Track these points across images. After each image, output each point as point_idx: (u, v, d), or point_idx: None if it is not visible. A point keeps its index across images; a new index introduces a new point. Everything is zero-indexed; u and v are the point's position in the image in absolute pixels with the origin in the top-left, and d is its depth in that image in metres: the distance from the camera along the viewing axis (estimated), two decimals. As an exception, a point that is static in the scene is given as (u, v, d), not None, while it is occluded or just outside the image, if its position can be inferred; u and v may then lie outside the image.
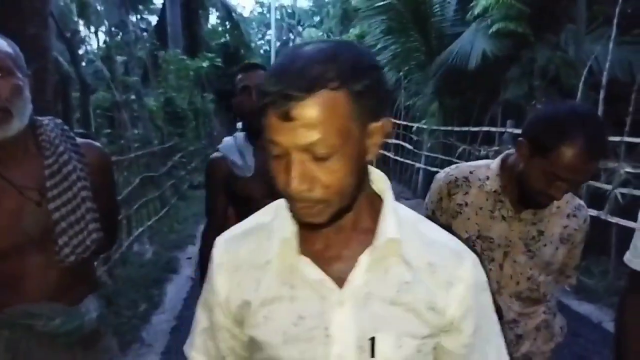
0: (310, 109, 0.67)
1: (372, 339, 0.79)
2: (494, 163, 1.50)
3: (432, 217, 1.61)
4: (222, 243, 0.91)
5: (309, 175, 0.71)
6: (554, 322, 1.57)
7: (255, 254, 0.86)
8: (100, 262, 4.49)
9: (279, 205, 0.88)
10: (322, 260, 0.81)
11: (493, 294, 1.45)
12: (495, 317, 0.91)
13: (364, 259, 0.80)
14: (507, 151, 1.53)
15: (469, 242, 1.49)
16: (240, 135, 2.03)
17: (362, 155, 0.75)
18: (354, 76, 0.70)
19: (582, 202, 1.52)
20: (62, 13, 10.46)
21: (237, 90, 1.95)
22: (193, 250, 6.27)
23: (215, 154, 2.06)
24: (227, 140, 2.07)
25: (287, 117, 0.68)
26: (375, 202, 0.84)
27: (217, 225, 2.05)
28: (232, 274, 0.87)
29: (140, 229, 6.17)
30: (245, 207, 2.05)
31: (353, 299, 0.80)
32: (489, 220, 1.46)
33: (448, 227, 1.54)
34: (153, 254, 5.84)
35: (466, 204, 1.50)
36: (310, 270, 0.81)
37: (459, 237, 0.91)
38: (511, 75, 7.23)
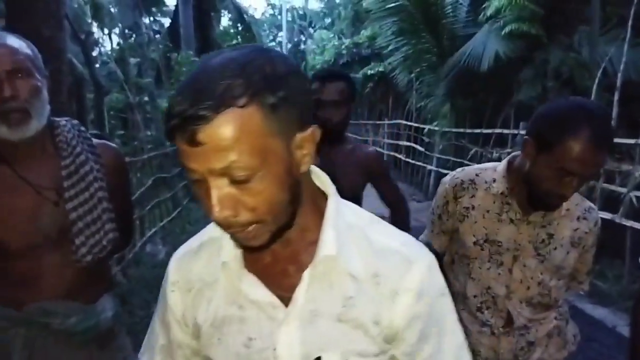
0: (218, 131, 0.61)
1: (318, 359, 0.76)
2: (500, 165, 1.48)
3: (437, 221, 1.61)
4: (176, 260, 0.88)
5: (231, 200, 0.65)
6: (567, 329, 1.55)
7: (206, 272, 0.83)
8: (114, 262, 4.54)
9: None
10: (269, 277, 0.78)
11: (501, 298, 1.45)
12: (455, 326, 0.84)
13: (306, 275, 0.76)
14: (513, 153, 1.51)
15: (475, 247, 1.49)
16: None
17: (293, 169, 0.69)
18: (266, 88, 0.63)
19: (592, 205, 1.50)
20: (77, 15, 10.60)
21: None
22: (205, 251, 6.29)
23: None
24: None
25: (194, 142, 0.61)
26: (321, 213, 0.79)
27: None
28: (185, 294, 0.85)
29: (153, 230, 6.22)
30: None
31: (299, 319, 0.77)
32: (497, 223, 1.44)
33: (456, 231, 1.54)
34: (166, 254, 5.88)
35: (473, 207, 1.48)
36: (254, 290, 0.78)
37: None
38: (524, 77, 7.17)
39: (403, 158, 11.93)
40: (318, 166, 2.29)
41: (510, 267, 1.44)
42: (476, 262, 1.47)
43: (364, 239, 0.79)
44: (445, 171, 9.00)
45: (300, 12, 36.18)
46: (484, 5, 7.57)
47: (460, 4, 8.82)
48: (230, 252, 0.79)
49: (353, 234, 0.79)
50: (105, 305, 1.45)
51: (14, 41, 1.29)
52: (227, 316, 0.80)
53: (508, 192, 1.43)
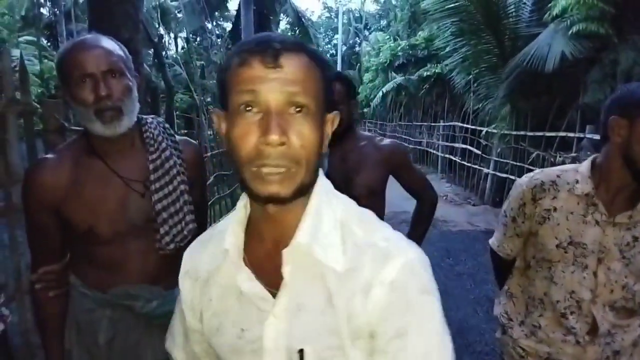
0: (295, 60, 0.72)
1: (301, 351, 0.77)
2: (583, 166, 1.45)
3: (511, 224, 1.57)
4: (189, 250, 0.95)
5: (286, 127, 0.70)
6: None
7: (210, 262, 0.88)
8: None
9: (234, 212, 0.89)
10: (263, 272, 0.81)
11: (585, 302, 1.41)
12: (436, 326, 0.76)
13: (285, 269, 0.78)
14: (593, 155, 1.48)
15: (559, 250, 1.45)
16: None
17: (322, 138, 0.77)
18: (322, 61, 0.76)
19: None
20: (145, 19, 11.10)
21: None
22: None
23: None
24: None
25: (275, 63, 0.70)
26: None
27: None
28: (194, 283, 0.90)
29: (214, 225, 6.41)
30: None
31: (285, 311, 0.78)
32: (582, 225, 1.41)
33: (534, 234, 1.51)
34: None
35: (555, 209, 1.44)
36: (246, 283, 0.81)
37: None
38: (591, 78, 6.85)
39: (458, 160, 11.69)
40: (328, 166, 2.30)
41: (595, 270, 1.41)
42: (559, 266, 1.44)
43: (350, 234, 0.80)
44: (503, 175, 8.75)
45: (356, 15, 36.13)
46: (549, 5, 7.29)
47: (524, 3, 8.52)
48: (233, 240, 0.82)
49: (341, 229, 0.80)
50: None
51: (108, 43, 1.39)
52: (224, 308, 0.84)
53: (594, 193, 1.40)
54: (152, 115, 1.56)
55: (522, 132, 8.42)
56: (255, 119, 0.71)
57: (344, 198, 0.86)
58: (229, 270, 0.83)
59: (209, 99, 9.28)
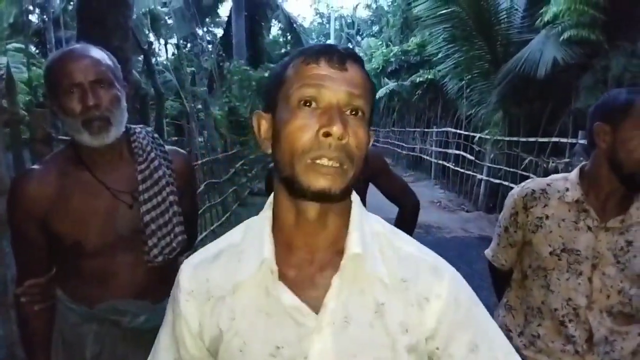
0: (359, 67, 0.77)
1: None
2: (572, 174, 1.48)
3: (504, 234, 1.58)
4: (191, 268, 0.86)
5: (345, 124, 0.72)
6: None
7: (226, 279, 0.81)
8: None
9: (247, 226, 0.86)
10: (296, 286, 0.78)
11: (581, 309, 1.40)
12: (500, 336, 0.82)
13: (336, 280, 0.77)
14: (582, 163, 1.50)
15: (552, 257, 1.45)
16: None
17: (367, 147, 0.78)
18: (369, 78, 0.79)
19: None
20: (135, 26, 11.07)
21: None
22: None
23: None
24: None
25: (341, 66, 0.74)
26: (348, 221, 0.82)
27: None
28: (204, 303, 0.82)
29: (204, 234, 6.37)
30: None
31: (331, 325, 0.76)
32: (574, 231, 1.42)
33: (528, 243, 1.50)
34: (216, 258, 6.00)
35: (547, 217, 1.46)
36: (286, 296, 0.77)
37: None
38: (583, 84, 6.89)
39: (452, 167, 11.72)
40: None
41: (590, 276, 1.41)
42: (554, 273, 1.44)
43: (388, 246, 0.82)
44: (496, 181, 8.77)
45: (349, 21, 36.33)
46: (541, 11, 7.35)
47: (516, 9, 8.59)
48: (268, 249, 0.78)
49: (378, 241, 0.81)
50: None
51: (97, 53, 1.36)
52: (251, 325, 0.79)
53: (584, 199, 1.42)
54: (141, 125, 1.54)
55: (514, 138, 8.45)
56: (315, 112, 0.73)
57: (371, 214, 0.88)
58: (260, 283, 0.79)
59: (199, 106, 9.25)
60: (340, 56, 0.74)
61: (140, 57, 9.97)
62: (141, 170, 1.42)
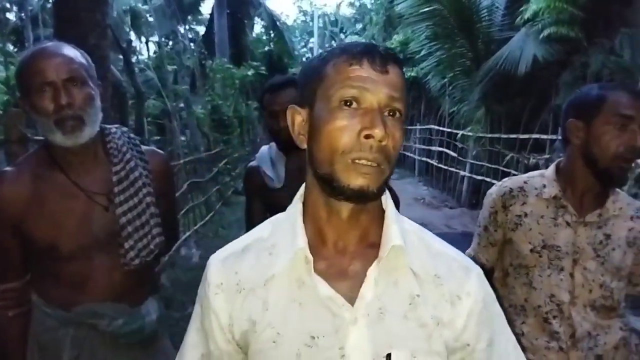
0: (399, 70, 0.77)
1: (388, 356, 0.76)
2: (548, 170, 1.49)
3: (484, 233, 1.59)
4: (219, 262, 0.86)
5: (385, 126, 0.74)
6: (631, 339, 1.50)
7: (257, 272, 0.82)
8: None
9: (277, 220, 0.87)
10: (328, 277, 0.79)
11: (565, 305, 1.41)
12: (508, 329, 0.88)
13: (372, 272, 0.79)
14: (558, 159, 1.51)
15: (533, 254, 1.46)
16: (274, 145, 2.04)
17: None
18: (405, 78, 0.80)
19: None
20: (116, 24, 10.93)
21: (265, 109, 1.93)
22: (238, 255, 6.36)
23: (251, 163, 2.08)
24: (263, 149, 2.09)
25: (383, 69, 0.75)
26: (382, 215, 0.84)
27: None
28: (234, 295, 0.82)
29: (187, 234, 6.33)
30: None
31: (366, 316, 0.77)
32: (553, 228, 1.43)
33: (508, 241, 1.51)
34: (199, 258, 5.97)
35: (525, 215, 1.46)
36: (322, 286, 0.78)
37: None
38: (563, 81, 6.98)
39: (435, 164, 11.80)
40: (286, 177, 2.23)
41: (572, 272, 1.42)
42: (536, 270, 1.45)
43: (420, 242, 0.84)
44: (479, 177, 8.85)
45: (332, 19, 36.33)
46: (521, 9, 7.43)
47: (496, 7, 8.67)
48: (302, 240, 0.79)
49: (410, 237, 0.83)
50: (150, 308, 1.48)
51: (70, 51, 1.33)
52: (285, 316, 0.79)
53: (561, 195, 1.43)
54: (117, 125, 1.51)
55: (496, 135, 8.54)
56: (356, 113, 0.74)
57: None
58: (293, 274, 0.80)
59: (181, 105, 9.17)
60: (382, 58, 0.75)
61: (121, 56, 9.88)
62: (117, 171, 1.39)
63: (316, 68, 0.79)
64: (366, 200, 0.76)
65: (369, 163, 0.73)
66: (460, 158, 10.26)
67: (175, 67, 11.50)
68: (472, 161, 9.51)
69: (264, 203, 2.01)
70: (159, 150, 1.60)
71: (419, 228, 0.87)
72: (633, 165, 1.36)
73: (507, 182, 1.54)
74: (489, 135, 8.88)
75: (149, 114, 9.44)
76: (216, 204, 9.02)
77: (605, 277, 1.40)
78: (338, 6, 36.49)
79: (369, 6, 24.49)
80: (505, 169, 7.70)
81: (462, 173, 9.93)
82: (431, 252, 0.84)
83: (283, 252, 0.81)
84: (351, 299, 0.78)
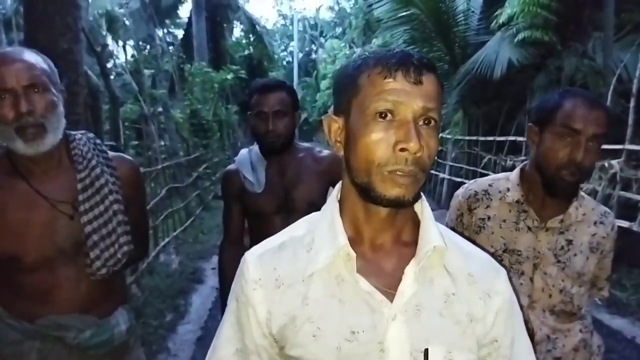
0: (433, 80, 0.78)
1: (426, 351, 0.79)
2: (513, 174, 1.49)
3: None
4: (256, 258, 0.87)
5: (420, 137, 0.75)
6: (592, 340, 1.51)
7: (296, 268, 0.84)
8: (128, 272, 4.56)
9: (311, 220, 0.89)
10: (366, 274, 0.81)
11: (524, 308, 1.42)
12: (526, 333, 0.91)
13: (411, 269, 0.81)
14: (524, 162, 1.52)
15: (495, 258, 1.47)
16: (255, 148, 2.01)
17: None
18: (442, 82, 0.81)
19: (608, 209, 1.48)
20: (92, 27, 10.77)
21: (252, 110, 1.90)
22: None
23: (230, 166, 2.05)
24: (243, 152, 2.06)
25: (417, 80, 0.76)
26: (414, 216, 0.87)
27: (232, 237, 2.05)
28: (273, 290, 0.84)
29: (167, 240, 6.25)
30: (256, 221, 2.02)
31: (404, 312, 0.80)
32: (515, 232, 1.43)
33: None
34: (179, 264, 5.90)
35: (489, 218, 1.46)
36: (362, 282, 0.80)
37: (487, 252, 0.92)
38: (537, 84, 7.10)
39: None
40: (267, 181, 2.21)
41: (532, 276, 1.42)
42: None
43: (451, 243, 0.86)
44: (458, 179, 8.94)
45: (312, 22, 36.40)
46: (496, 13, 7.54)
47: (472, 12, 8.78)
48: (343, 238, 0.81)
49: (445, 236, 0.85)
50: (119, 318, 1.44)
51: (31, 56, 1.30)
52: (325, 311, 0.80)
53: (524, 200, 1.43)
54: (82, 131, 1.47)
55: (474, 137, 8.63)
56: (391, 125, 0.76)
57: None
58: (332, 270, 0.82)
59: (160, 109, 9.08)
60: (417, 69, 0.76)
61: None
62: (81, 178, 1.36)
63: (351, 77, 0.81)
64: (402, 207, 0.79)
65: (405, 175, 0.76)
66: (440, 160, 10.35)
67: (152, 71, 11.38)
68: (451, 163, 9.61)
69: (242, 207, 1.98)
70: (127, 157, 1.56)
71: (446, 229, 0.90)
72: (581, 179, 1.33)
73: (473, 185, 1.54)
74: (467, 138, 8.98)
75: (126, 118, 9.31)
76: (196, 209, 8.93)
77: (566, 283, 1.40)
78: (318, 10, 36.63)
79: (348, 10, 24.60)
80: (483, 171, 7.79)
81: (441, 175, 10.02)
82: (463, 252, 0.87)
83: (323, 250, 0.82)
84: (388, 295, 0.80)
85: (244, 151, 2.08)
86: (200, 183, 9.94)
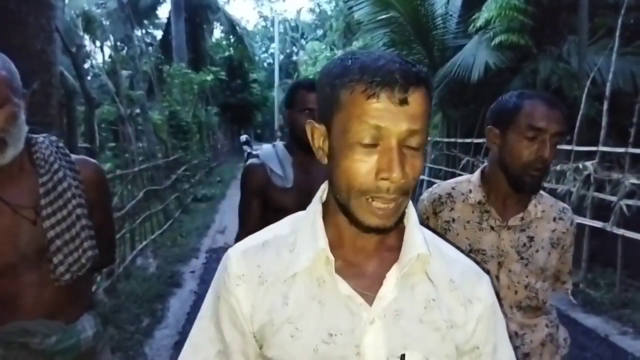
0: (420, 98, 0.72)
1: (402, 356, 0.78)
2: (474, 176, 1.54)
3: None
4: (240, 254, 0.85)
5: (404, 164, 0.72)
6: (558, 334, 1.56)
7: (278, 267, 0.82)
8: (103, 277, 4.48)
9: (295, 219, 0.88)
10: (345, 277, 0.80)
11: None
12: (508, 339, 0.91)
13: (393, 275, 0.80)
14: (483, 165, 1.57)
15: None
16: (280, 145, 2.02)
17: None
18: (432, 91, 0.76)
19: (566, 206, 1.54)
20: (68, 28, 10.58)
21: (295, 106, 1.91)
22: (197, 264, 6.24)
23: (254, 160, 2.03)
24: (267, 148, 2.06)
25: (402, 100, 0.70)
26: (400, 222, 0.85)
27: (250, 230, 2.02)
28: (256, 287, 0.82)
29: (144, 243, 6.17)
30: (276, 216, 2.01)
31: (383, 317, 0.79)
32: (478, 232, 1.47)
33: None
34: (157, 268, 5.82)
35: (453, 220, 1.51)
36: (342, 285, 0.79)
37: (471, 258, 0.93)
38: (514, 87, 7.21)
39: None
40: (294, 180, 2.20)
41: (497, 274, 1.46)
42: None
43: (435, 248, 0.85)
44: (437, 180, 9.00)
45: (293, 24, 36.42)
46: (473, 17, 7.64)
47: (451, 15, 8.89)
48: (323, 241, 0.80)
49: (428, 242, 0.84)
50: (85, 324, 1.41)
51: None
52: (305, 312, 0.79)
53: (485, 200, 1.47)
54: (45, 134, 1.43)
55: (453, 139, 8.72)
56: (374, 151, 0.72)
57: None
58: (314, 272, 0.80)
59: (137, 111, 8.97)
60: (402, 88, 0.70)
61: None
62: (43, 182, 1.32)
63: (332, 87, 0.75)
64: (383, 234, 0.78)
65: (385, 205, 0.73)
66: (420, 162, 10.42)
67: (130, 72, 11.24)
68: (430, 165, 9.69)
69: (263, 201, 1.96)
70: (91, 160, 1.52)
71: (431, 235, 0.88)
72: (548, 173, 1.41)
73: (437, 189, 1.58)
74: (446, 140, 9.08)
75: (103, 120, 9.17)
76: (175, 212, 8.84)
77: (530, 279, 1.45)
78: (298, 12, 36.65)
79: (329, 12, 24.66)
80: (462, 172, 7.87)
81: (421, 177, 10.09)
82: (445, 258, 0.85)
83: (304, 251, 0.81)
84: (368, 299, 0.79)
85: (267, 147, 2.08)
86: (179, 185, 9.84)
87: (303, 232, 0.84)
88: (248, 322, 0.82)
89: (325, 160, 0.81)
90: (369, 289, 0.80)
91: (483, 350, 0.85)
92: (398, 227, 0.81)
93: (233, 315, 0.83)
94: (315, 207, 0.85)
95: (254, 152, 11.91)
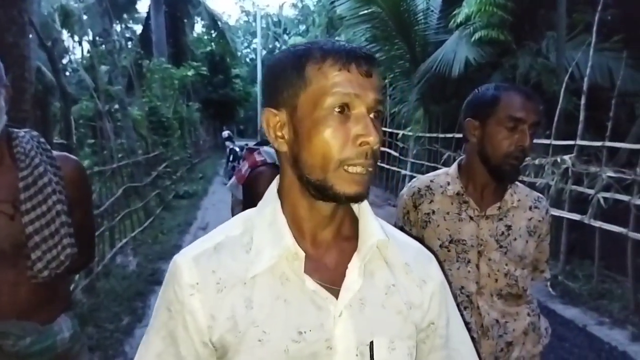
0: (377, 74, 0.78)
1: (371, 344, 0.79)
2: (452, 168, 1.57)
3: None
4: (191, 261, 0.80)
5: (377, 132, 0.76)
6: (540, 323, 1.59)
7: (236, 270, 0.79)
8: (81, 275, 4.40)
9: (247, 217, 0.85)
10: (309, 272, 0.79)
11: (473, 295, 1.47)
12: (457, 311, 0.96)
13: (355, 264, 0.81)
14: (460, 157, 1.60)
15: (442, 250, 1.53)
16: None
17: None
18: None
19: (540, 195, 1.59)
20: (46, 22, 10.37)
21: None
22: (178, 261, 6.19)
23: (261, 168, 2.03)
24: (272, 151, 2.06)
25: (368, 73, 0.76)
26: (351, 210, 0.86)
27: None
28: (214, 294, 0.78)
29: (124, 241, 6.08)
30: None
31: (349, 307, 0.79)
32: (458, 223, 1.50)
33: (420, 240, 1.56)
34: (137, 265, 5.75)
35: (433, 212, 1.54)
36: (308, 281, 0.78)
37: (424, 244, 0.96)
38: (493, 82, 7.30)
39: (378, 163, 11.99)
40: None
41: (477, 263, 1.49)
42: (446, 265, 1.51)
43: (389, 234, 0.86)
44: (419, 175, 9.05)
45: (275, 19, 36.23)
46: (454, 13, 7.68)
47: (432, 11, 8.93)
48: (289, 239, 0.79)
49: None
50: (62, 325, 1.38)
51: None
52: (271, 312, 0.77)
53: (463, 191, 1.51)
54: (26, 129, 1.40)
55: (434, 134, 8.78)
56: (348, 119, 0.75)
57: None
58: (277, 271, 0.79)
59: (116, 106, 8.83)
60: (367, 62, 0.76)
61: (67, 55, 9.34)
62: (24, 176, 1.29)
63: (295, 69, 0.77)
64: (360, 202, 0.80)
65: (363, 170, 0.76)
66: (402, 157, 10.48)
67: (109, 67, 11.06)
68: (412, 160, 9.75)
69: None
70: (72, 156, 1.49)
71: (382, 221, 0.90)
72: (525, 162, 1.44)
73: (416, 183, 1.61)
74: (428, 135, 9.13)
75: (81, 116, 9.00)
76: (156, 209, 8.73)
77: (510, 266, 1.48)
78: (281, 7, 36.46)
79: (311, 8, 24.58)
80: (444, 167, 7.92)
81: (403, 172, 10.14)
82: (398, 242, 0.88)
83: (265, 250, 0.79)
84: (332, 292, 0.79)
85: (271, 149, 2.07)
86: (160, 182, 9.72)
87: (259, 230, 0.81)
88: (205, 333, 0.78)
89: (284, 148, 0.80)
90: (331, 281, 0.80)
91: (438, 324, 0.89)
92: (351, 215, 0.85)
93: (190, 327, 0.78)
94: (273, 203, 0.84)
95: (236, 148, 11.85)
